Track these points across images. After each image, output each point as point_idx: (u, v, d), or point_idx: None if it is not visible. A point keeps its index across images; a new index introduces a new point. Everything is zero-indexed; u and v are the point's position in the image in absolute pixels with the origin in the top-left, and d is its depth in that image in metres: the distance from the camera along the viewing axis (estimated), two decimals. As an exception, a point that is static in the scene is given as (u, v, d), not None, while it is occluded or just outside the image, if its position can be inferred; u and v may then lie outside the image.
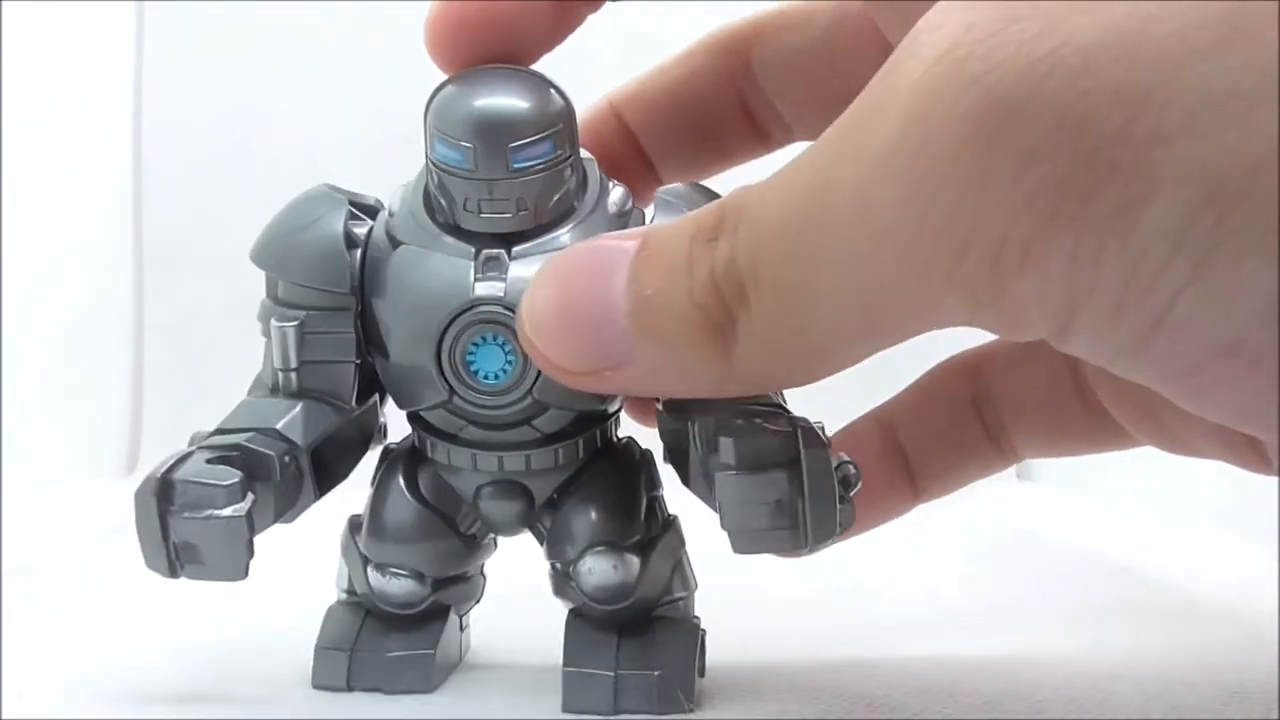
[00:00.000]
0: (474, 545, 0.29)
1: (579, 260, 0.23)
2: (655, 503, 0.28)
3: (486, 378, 0.26)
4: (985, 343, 0.32)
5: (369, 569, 0.28)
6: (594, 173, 0.27)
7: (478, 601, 0.30)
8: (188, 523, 0.25)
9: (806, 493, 0.23)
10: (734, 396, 0.25)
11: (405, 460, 0.28)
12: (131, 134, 0.72)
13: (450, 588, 0.29)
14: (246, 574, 0.25)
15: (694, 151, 0.32)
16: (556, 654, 0.27)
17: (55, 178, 0.65)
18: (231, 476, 0.25)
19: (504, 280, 0.25)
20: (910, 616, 0.38)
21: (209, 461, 0.25)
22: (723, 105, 0.32)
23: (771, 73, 0.31)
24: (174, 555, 0.25)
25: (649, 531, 0.28)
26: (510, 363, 0.26)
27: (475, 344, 0.26)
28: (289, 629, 0.30)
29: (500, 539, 0.30)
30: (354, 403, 0.27)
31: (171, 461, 0.25)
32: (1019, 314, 0.19)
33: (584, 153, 0.27)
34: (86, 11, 0.67)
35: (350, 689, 0.28)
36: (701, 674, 0.28)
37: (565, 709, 0.26)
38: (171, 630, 0.34)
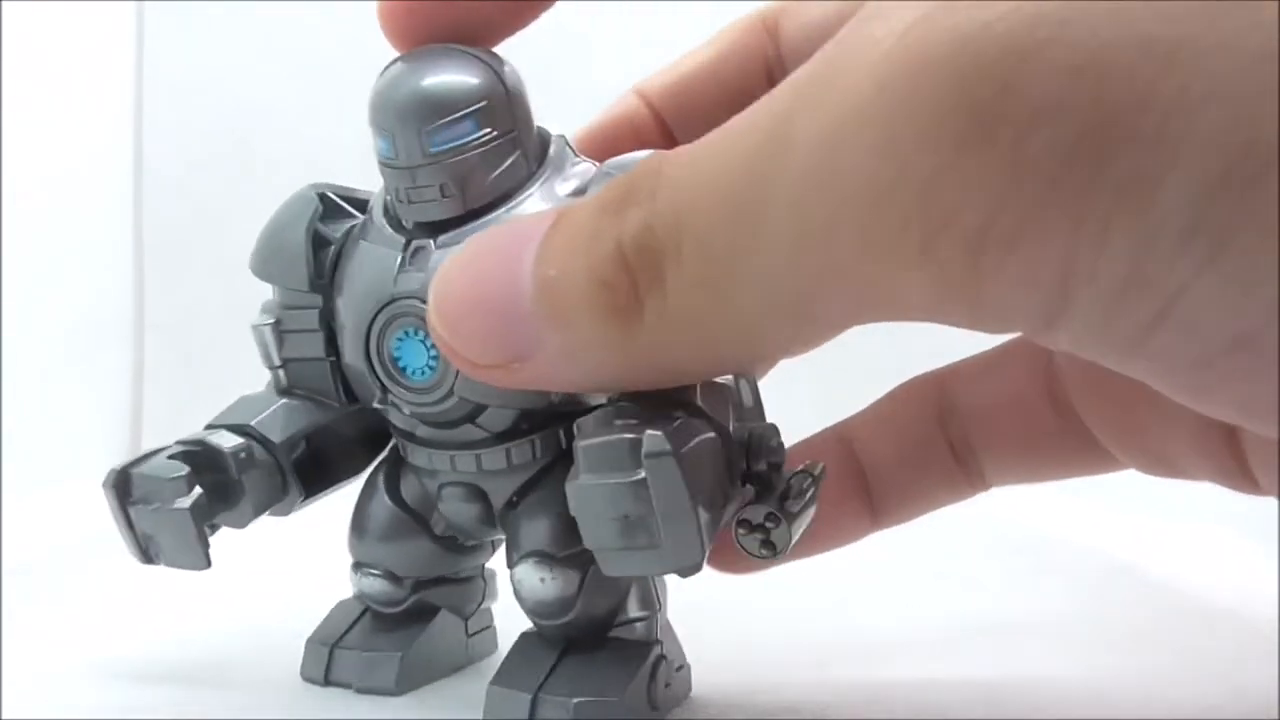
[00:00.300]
0: (454, 547, 0.28)
1: (487, 243, 0.21)
2: None
3: (413, 374, 0.25)
4: (955, 361, 0.30)
5: (350, 568, 0.28)
6: (560, 151, 0.26)
7: (481, 604, 0.30)
8: (144, 514, 0.26)
9: (656, 509, 0.20)
10: (647, 389, 0.22)
11: (390, 460, 0.28)
12: (132, 134, 0.72)
13: (436, 589, 0.28)
14: (208, 563, 0.26)
15: None
16: None
17: (56, 178, 0.65)
18: (178, 470, 0.26)
19: (424, 272, 0.24)
20: (908, 618, 0.37)
21: (170, 456, 0.26)
22: (753, 83, 0.30)
23: (797, 45, 0.30)
24: (145, 545, 0.27)
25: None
26: (434, 357, 0.24)
27: (399, 339, 0.25)
28: (297, 624, 0.29)
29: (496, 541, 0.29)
30: (343, 399, 0.27)
31: (139, 456, 0.27)
32: (998, 302, 0.17)
33: (552, 131, 0.26)
34: (87, 11, 0.67)
35: (327, 683, 0.28)
36: (654, 703, 0.25)
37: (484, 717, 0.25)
38: (172, 628, 0.34)
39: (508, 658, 0.26)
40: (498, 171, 0.24)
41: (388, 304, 0.25)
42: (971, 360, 0.30)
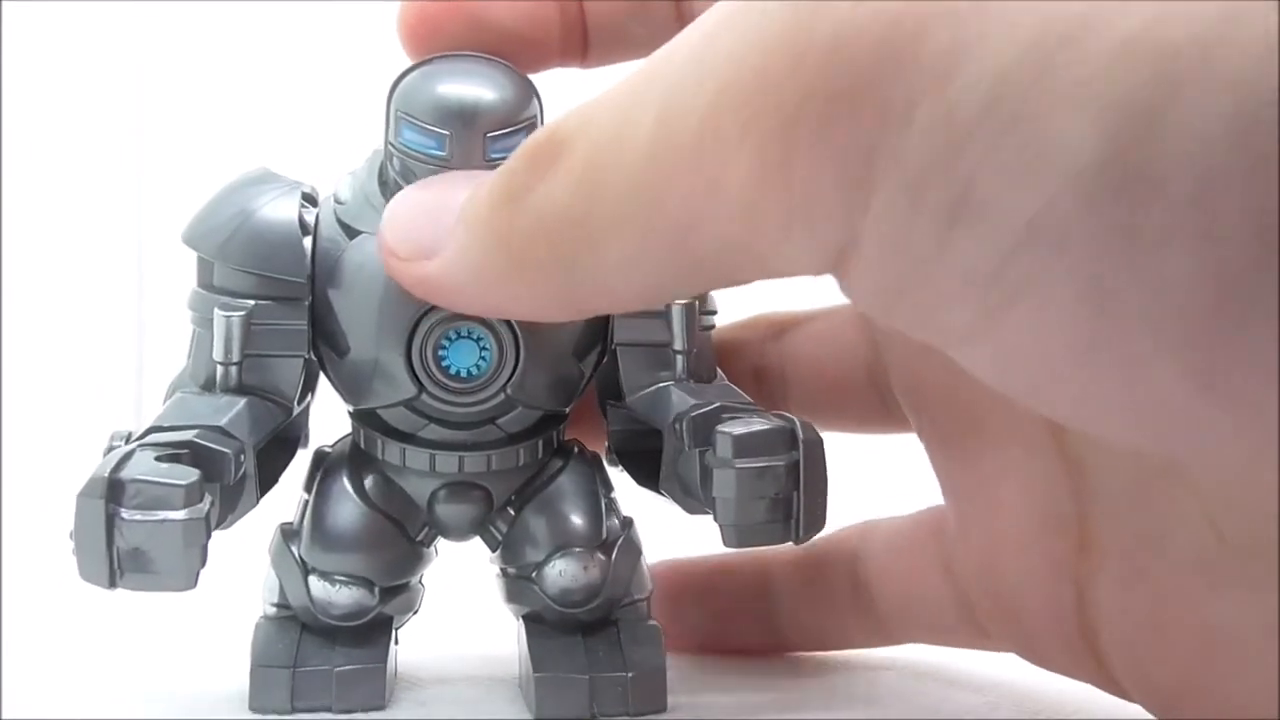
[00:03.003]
0: (420, 552, 0.27)
1: (449, 174, 0.23)
2: (612, 504, 0.28)
3: (459, 373, 0.25)
4: (874, 519, 0.31)
5: (311, 578, 0.26)
6: None
7: (415, 613, 0.28)
8: (139, 527, 0.22)
9: (802, 486, 0.23)
10: (522, 317, 0.23)
11: (348, 462, 0.27)
12: (134, 133, 0.72)
13: (395, 598, 0.27)
14: (196, 583, 0.23)
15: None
16: (499, 665, 0.26)
17: (57, 177, 0.65)
18: (190, 475, 0.23)
19: None
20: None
21: (158, 459, 0.23)
22: None
23: None
24: (116, 564, 0.22)
25: (610, 533, 0.27)
26: (485, 358, 0.25)
27: (449, 338, 0.25)
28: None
29: (439, 547, 0.28)
30: (295, 402, 0.26)
31: (115, 460, 0.23)
32: (807, 186, 0.17)
33: None
34: (87, 11, 0.67)
35: (294, 710, 0.25)
36: (664, 708, 0.27)
37: (539, 715, 0.25)
38: (172, 628, 0.34)
39: (533, 647, 0.26)
40: None
41: (432, 309, 0.24)
42: (889, 520, 0.30)
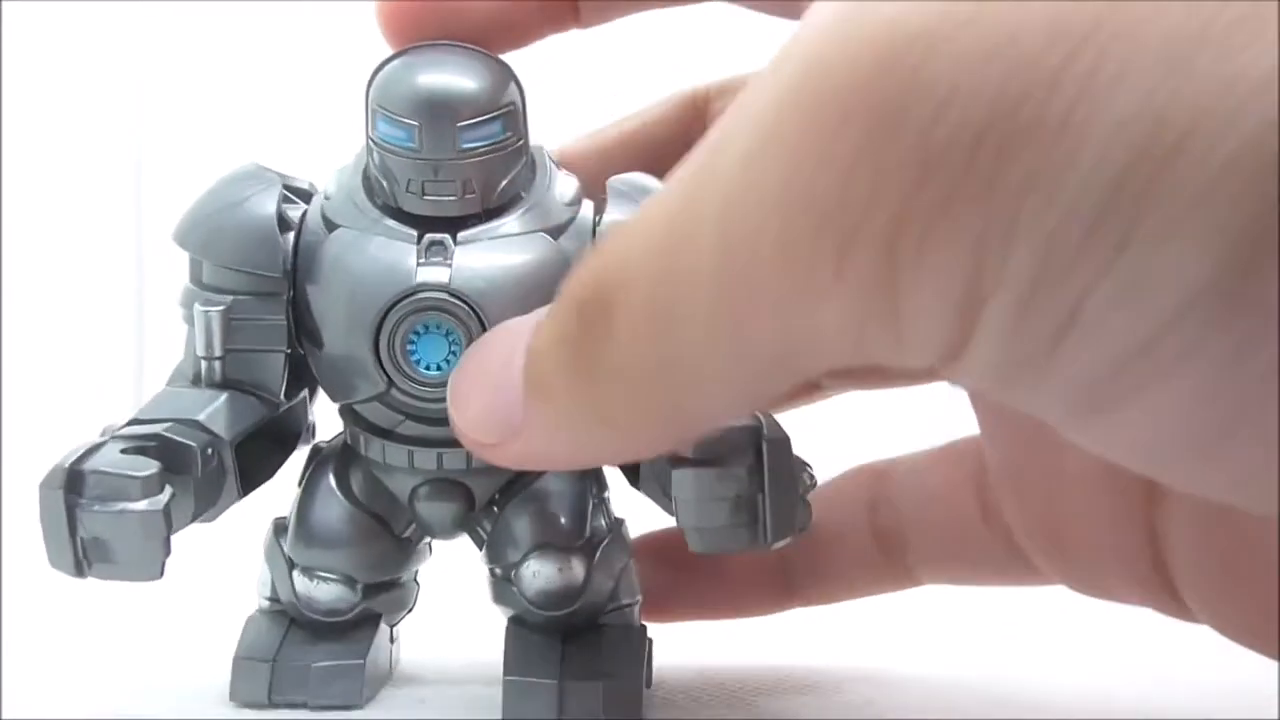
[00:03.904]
0: (408, 549, 0.27)
1: (494, 332, 0.23)
2: (602, 504, 0.27)
3: (428, 368, 0.24)
4: (896, 456, 0.30)
5: (295, 573, 0.26)
6: (544, 161, 0.26)
7: (410, 611, 0.28)
8: (98, 517, 0.23)
9: (766, 488, 0.23)
10: (630, 460, 0.23)
11: (336, 459, 0.27)
12: (133, 132, 0.72)
13: (381, 595, 0.27)
14: (162, 574, 0.23)
15: None
16: (495, 667, 0.26)
17: (57, 178, 0.65)
18: (148, 467, 0.23)
19: (449, 266, 0.24)
20: (900, 613, 0.37)
21: (123, 452, 0.23)
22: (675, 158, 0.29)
23: None
24: (81, 553, 0.23)
25: (595, 534, 0.26)
26: (454, 353, 0.24)
27: (417, 332, 0.24)
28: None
29: (435, 545, 0.28)
30: (282, 396, 0.26)
31: (81, 451, 0.23)
32: (914, 317, 0.16)
33: (534, 142, 0.26)
34: (88, 11, 0.67)
35: (272, 703, 0.26)
36: (649, 684, 0.27)
37: (505, 718, 0.25)
38: (171, 627, 0.34)
39: (510, 649, 0.26)
40: (510, 175, 0.25)
41: (410, 295, 0.24)
42: (910, 456, 0.30)
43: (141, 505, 0.23)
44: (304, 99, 0.71)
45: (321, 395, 0.28)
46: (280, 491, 0.28)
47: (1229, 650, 0.32)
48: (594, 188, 0.26)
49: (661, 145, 0.29)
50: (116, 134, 0.71)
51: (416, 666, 0.29)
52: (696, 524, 0.23)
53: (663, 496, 0.25)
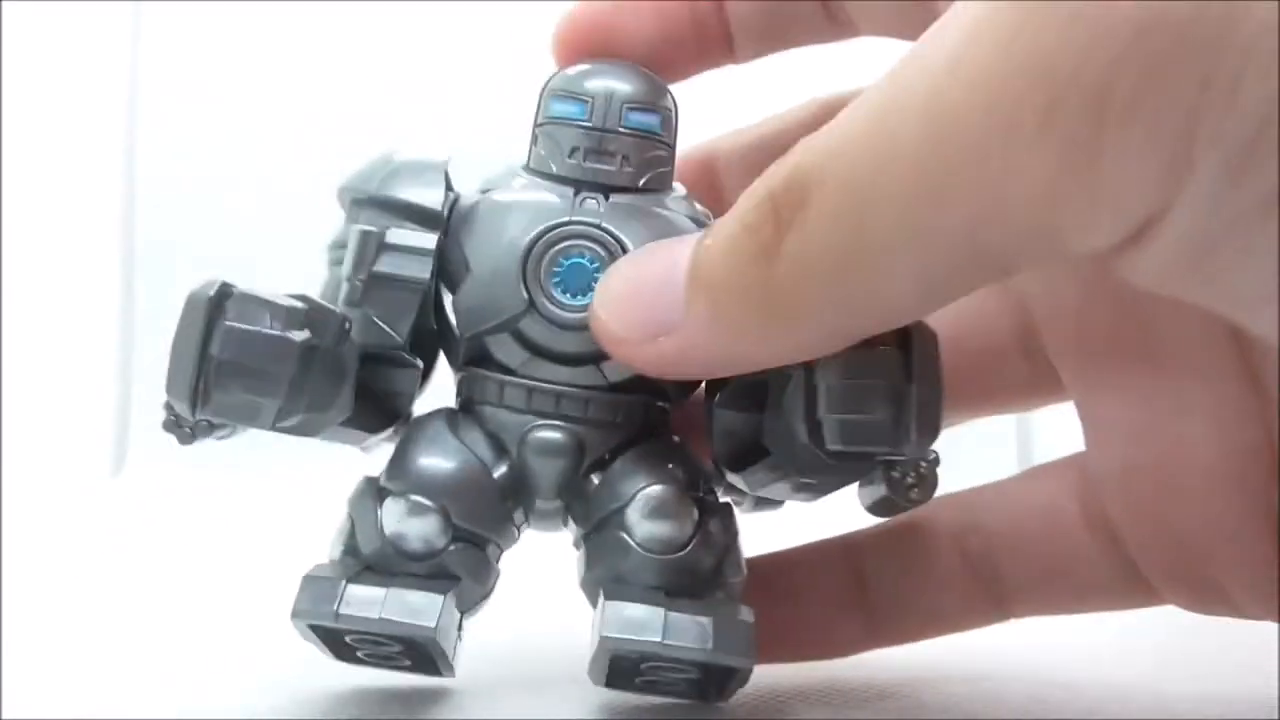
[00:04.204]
0: (504, 512, 0.26)
1: (655, 245, 0.23)
2: (710, 488, 0.27)
3: (569, 293, 0.25)
4: (978, 486, 0.29)
5: (388, 502, 0.25)
6: (680, 187, 0.28)
7: (486, 598, 0.27)
8: (236, 334, 0.23)
9: (914, 380, 0.22)
10: (780, 354, 0.22)
11: (446, 413, 0.27)
12: (125, 134, 0.72)
13: (465, 551, 0.25)
14: (274, 423, 0.23)
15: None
16: (570, 677, 0.25)
17: (48, 179, 0.65)
18: (295, 303, 0.23)
19: (601, 212, 0.26)
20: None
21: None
22: None
23: None
24: (204, 379, 0.23)
25: (706, 500, 0.26)
26: (598, 282, 0.25)
27: (563, 261, 0.25)
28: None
29: (523, 536, 0.27)
30: (407, 342, 0.26)
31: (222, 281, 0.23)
32: (1117, 175, 0.16)
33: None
34: (83, 12, 0.67)
35: (338, 619, 0.24)
36: (752, 661, 0.24)
37: (604, 635, 0.23)
38: (170, 627, 0.34)
39: (611, 588, 0.25)
40: (658, 171, 0.27)
41: (562, 225, 0.25)
42: (998, 482, 0.29)
43: (280, 330, 0.23)
44: (302, 101, 0.70)
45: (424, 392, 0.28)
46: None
47: (1229, 650, 0.32)
48: (731, 192, 0.28)
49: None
50: (109, 135, 0.71)
51: (478, 679, 0.28)
52: (842, 412, 0.22)
53: (787, 444, 0.24)
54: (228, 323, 0.23)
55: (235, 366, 0.23)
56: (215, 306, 0.23)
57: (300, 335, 0.23)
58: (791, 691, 0.28)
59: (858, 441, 0.22)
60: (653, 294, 0.22)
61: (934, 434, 0.22)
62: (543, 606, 0.29)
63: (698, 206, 0.27)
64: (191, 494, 0.53)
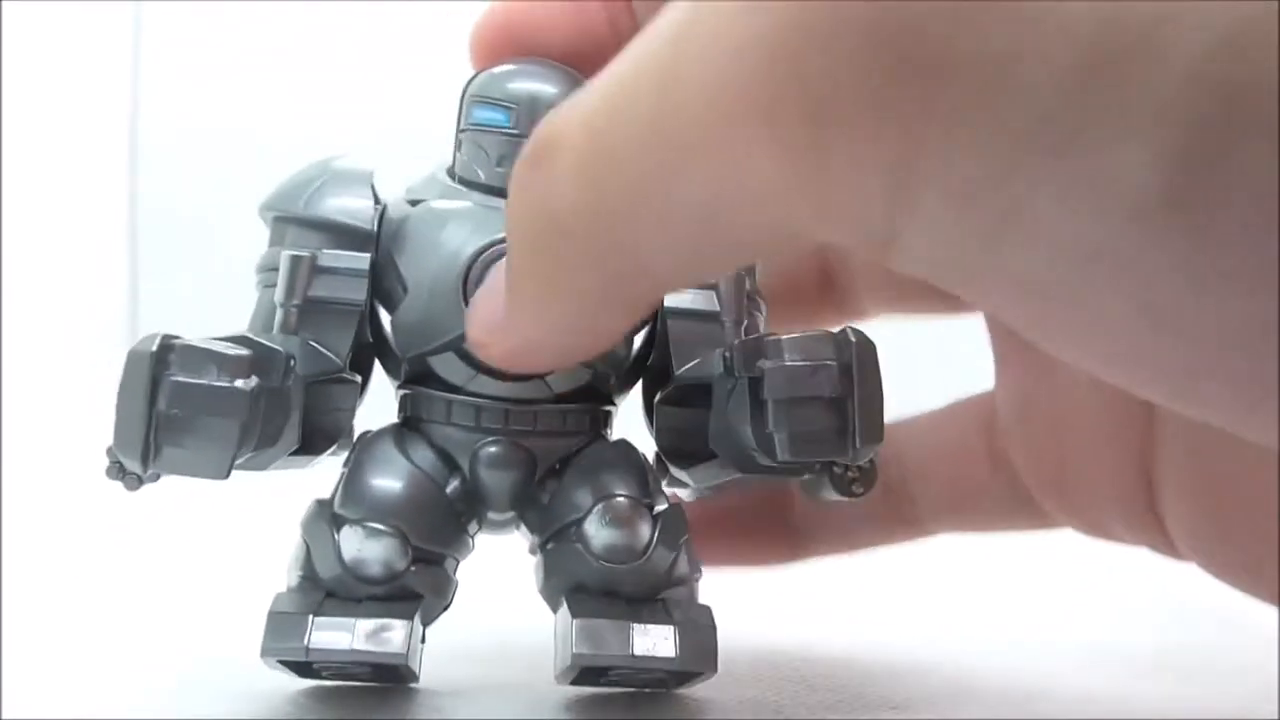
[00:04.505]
0: (459, 526, 0.27)
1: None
2: (659, 486, 0.27)
3: None
4: (907, 417, 0.30)
5: (344, 531, 0.25)
6: None
7: (445, 608, 0.27)
8: (183, 387, 0.22)
9: (856, 389, 0.23)
10: (575, 329, 0.22)
11: (393, 431, 0.27)
12: (128, 133, 0.72)
13: (425, 571, 0.26)
14: (229, 472, 0.22)
15: None
16: (532, 684, 0.25)
17: (51, 178, 0.65)
18: (241, 350, 0.23)
19: None
20: (913, 617, 0.38)
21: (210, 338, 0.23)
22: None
23: None
24: (153, 434, 0.22)
25: (657, 503, 0.26)
26: None
27: None
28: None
29: (477, 543, 0.27)
30: (346, 362, 0.26)
31: (167, 333, 0.23)
32: (843, 183, 0.16)
33: None
34: (84, 11, 0.67)
35: (309, 653, 0.24)
36: (714, 669, 0.25)
37: (575, 654, 0.24)
38: (171, 627, 0.34)
39: (574, 601, 0.25)
40: None
41: (499, 242, 0.25)
42: (919, 416, 0.31)
43: (227, 381, 0.22)
44: (300, 100, 0.70)
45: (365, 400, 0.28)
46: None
47: (1229, 650, 0.32)
48: None
49: None
50: (112, 134, 0.71)
51: (443, 679, 0.28)
52: (790, 427, 0.23)
53: (734, 449, 0.24)
54: (173, 378, 0.22)
55: (184, 421, 0.22)
56: (159, 361, 0.22)
57: (248, 384, 0.22)
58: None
59: (807, 454, 0.23)
60: (492, 297, 0.22)
61: (878, 440, 0.23)
62: (505, 606, 0.29)
63: None
64: (191, 493, 0.53)
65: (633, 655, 0.24)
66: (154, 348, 0.22)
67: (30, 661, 0.30)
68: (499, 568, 0.29)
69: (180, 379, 0.22)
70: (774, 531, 0.31)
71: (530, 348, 0.22)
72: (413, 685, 0.27)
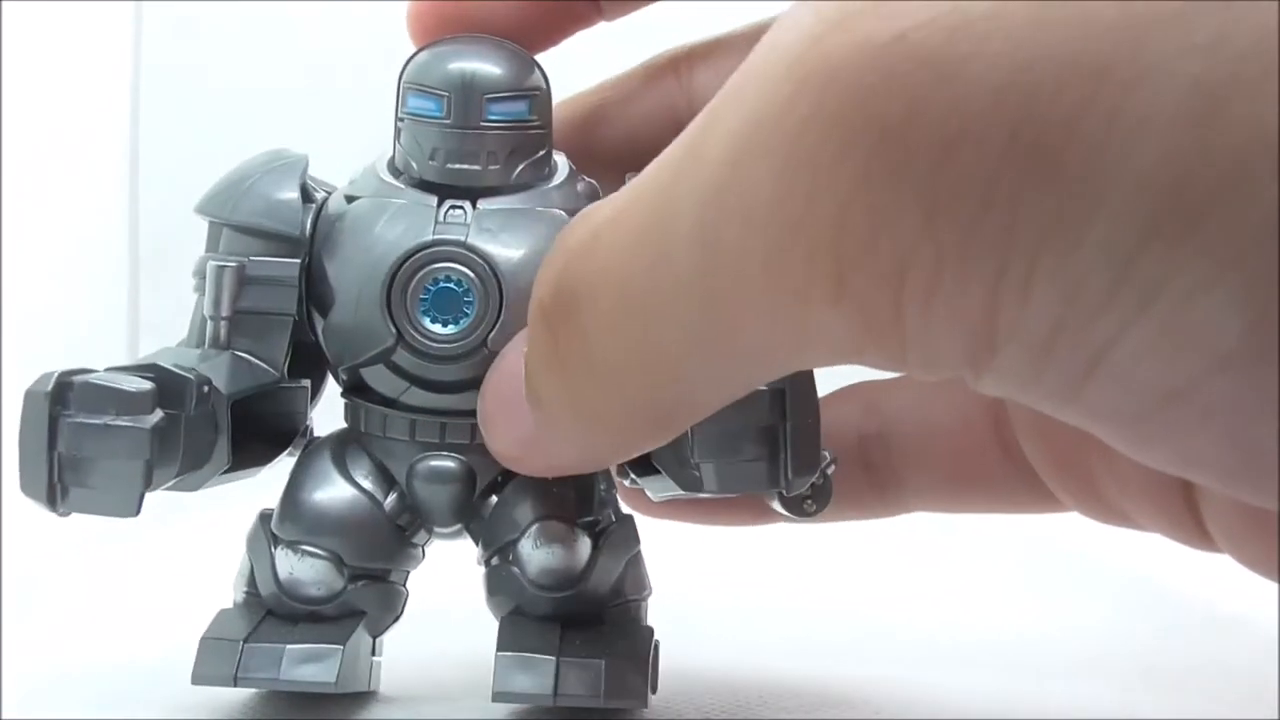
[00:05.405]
0: (402, 541, 0.26)
1: (503, 356, 0.22)
2: (609, 496, 0.26)
3: (439, 322, 0.24)
4: (893, 377, 0.29)
5: (278, 551, 0.25)
6: (564, 163, 0.26)
7: (396, 619, 0.27)
8: (81, 428, 0.21)
9: (788, 419, 0.22)
10: (624, 458, 0.22)
11: (334, 441, 0.26)
12: (128, 133, 0.72)
13: (367, 588, 0.25)
14: (138, 509, 0.22)
15: None
16: (488, 687, 0.24)
17: (51, 177, 0.65)
18: (141, 385, 0.22)
19: (467, 226, 0.24)
20: (899, 615, 0.38)
21: (114, 370, 0.22)
22: (659, 130, 0.28)
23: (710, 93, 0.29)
24: (57, 476, 0.22)
25: (601, 518, 0.25)
26: (466, 311, 0.24)
27: (429, 287, 0.24)
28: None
29: (429, 552, 0.27)
30: (284, 370, 0.25)
31: (68, 369, 0.22)
32: (924, 345, 0.16)
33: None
34: (84, 11, 0.67)
35: (236, 683, 0.23)
36: (654, 689, 0.25)
37: (496, 691, 0.23)
38: (171, 626, 0.34)
39: (505, 630, 0.24)
40: (532, 159, 0.25)
41: (426, 248, 0.24)
42: (902, 383, 0.29)
43: (128, 420, 0.21)
44: (301, 100, 0.70)
45: (321, 399, 0.28)
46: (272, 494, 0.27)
47: (1229, 650, 0.32)
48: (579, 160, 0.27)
49: (639, 121, 0.29)
50: (112, 133, 0.71)
51: (401, 687, 0.28)
52: (717, 458, 0.22)
53: (675, 464, 0.24)
54: (70, 419, 0.21)
55: (86, 463, 0.22)
56: (56, 401, 0.21)
57: (150, 419, 0.21)
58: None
59: (734, 487, 0.22)
60: (511, 411, 0.21)
61: (812, 470, 0.22)
62: (466, 611, 0.29)
63: (581, 185, 0.26)
64: (191, 493, 0.53)
65: (555, 694, 0.23)
66: (49, 387, 0.21)
67: (30, 662, 0.30)
68: (461, 575, 0.28)
69: (78, 420, 0.21)
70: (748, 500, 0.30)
71: (567, 464, 0.22)
72: (373, 690, 0.27)
